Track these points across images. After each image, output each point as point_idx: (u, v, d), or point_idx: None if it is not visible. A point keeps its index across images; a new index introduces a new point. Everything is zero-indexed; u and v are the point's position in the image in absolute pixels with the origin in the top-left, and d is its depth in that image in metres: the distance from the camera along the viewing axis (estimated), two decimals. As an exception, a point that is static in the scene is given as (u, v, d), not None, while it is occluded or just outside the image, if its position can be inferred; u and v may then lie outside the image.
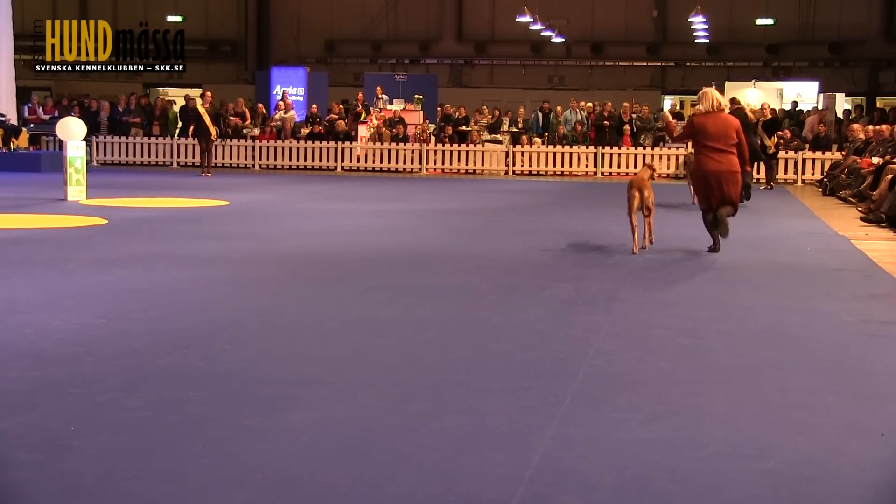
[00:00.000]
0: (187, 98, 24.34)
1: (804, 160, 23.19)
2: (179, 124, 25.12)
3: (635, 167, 24.06)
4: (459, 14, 34.05)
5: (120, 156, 25.65)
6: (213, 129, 22.30)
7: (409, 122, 25.61)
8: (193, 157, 24.59)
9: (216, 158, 24.25)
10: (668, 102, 30.64)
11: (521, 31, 31.18)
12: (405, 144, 25.01)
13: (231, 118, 25.56)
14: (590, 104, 25.74)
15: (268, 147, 25.22)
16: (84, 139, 16.01)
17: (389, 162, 24.92)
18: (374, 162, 24.97)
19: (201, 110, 22.15)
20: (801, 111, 26.01)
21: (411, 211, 14.41)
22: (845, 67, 31.86)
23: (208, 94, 23.61)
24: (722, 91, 28.71)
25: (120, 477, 3.62)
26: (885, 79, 31.99)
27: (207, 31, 34.57)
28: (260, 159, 25.12)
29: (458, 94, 31.32)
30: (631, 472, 3.75)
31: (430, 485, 3.61)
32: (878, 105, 29.19)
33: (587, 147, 24.69)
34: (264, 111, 26.51)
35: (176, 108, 26.73)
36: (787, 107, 26.60)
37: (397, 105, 26.65)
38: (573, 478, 3.69)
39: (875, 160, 17.06)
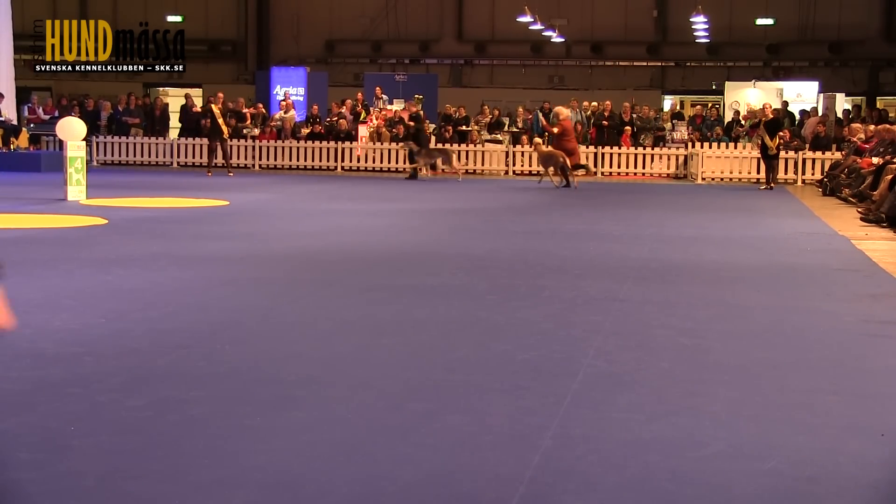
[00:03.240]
0: (187, 97, 24.35)
1: (804, 160, 23.20)
2: (179, 125, 25.16)
3: (635, 167, 24.11)
4: (459, 14, 34.04)
5: (120, 156, 25.65)
6: (226, 129, 22.40)
7: (409, 122, 25.60)
8: (193, 157, 24.62)
9: (216, 158, 24.25)
10: (668, 102, 30.64)
11: (521, 31, 31.17)
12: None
13: (232, 119, 25.61)
14: (595, 103, 25.77)
15: (268, 147, 25.22)
16: (84, 139, 16.01)
17: (389, 162, 24.93)
18: (374, 162, 24.98)
19: (215, 110, 22.21)
20: (793, 114, 25.98)
21: (411, 211, 14.41)
22: (845, 67, 31.85)
23: (220, 94, 23.64)
24: (722, 91, 28.88)
25: (120, 477, 3.62)
26: (885, 79, 31.98)
27: (207, 31, 34.55)
28: (260, 159, 25.13)
29: (458, 94, 31.30)
30: (631, 472, 3.75)
31: (430, 485, 3.61)
32: (878, 105, 29.18)
33: (587, 147, 24.69)
34: (264, 111, 26.51)
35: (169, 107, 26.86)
36: (790, 108, 26.60)
37: (397, 105, 26.65)
38: (573, 478, 3.69)
39: (875, 160, 17.06)
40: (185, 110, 26.62)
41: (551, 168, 19.77)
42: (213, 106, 22.49)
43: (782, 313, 6.99)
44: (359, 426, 4.25)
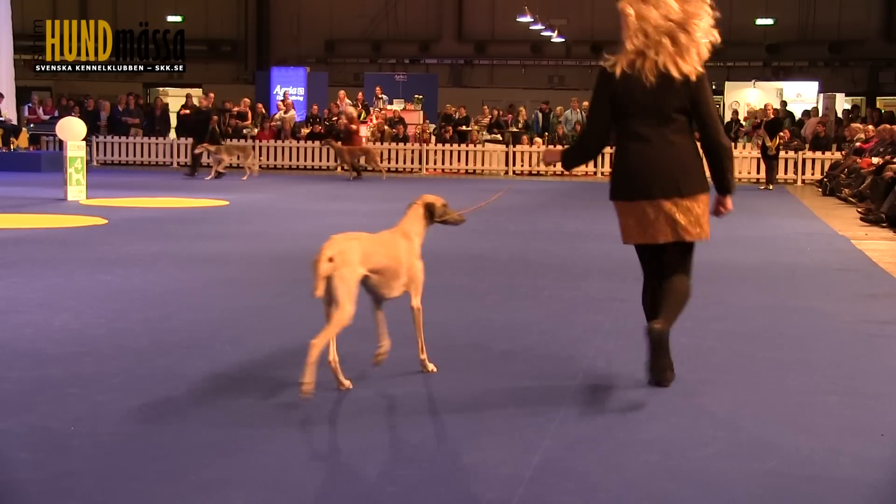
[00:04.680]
0: (188, 97, 24.37)
1: (804, 160, 23.21)
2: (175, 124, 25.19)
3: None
4: (459, 14, 34.05)
5: (120, 156, 25.66)
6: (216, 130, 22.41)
7: (409, 122, 25.63)
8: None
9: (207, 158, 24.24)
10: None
11: (521, 31, 31.18)
12: (405, 144, 25.01)
13: (233, 119, 25.61)
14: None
15: (268, 147, 25.22)
16: (84, 139, 16.02)
17: (389, 162, 24.93)
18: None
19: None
20: (793, 113, 25.99)
21: (411, 211, 14.38)
22: (845, 67, 31.87)
23: (211, 95, 23.64)
24: (722, 91, 28.85)
25: (120, 477, 3.62)
26: (885, 79, 31.98)
27: (207, 31, 34.56)
28: (260, 159, 25.13)
29: (458, 94, 31.32)
30: (631, 472, 3.75)
31: (430, 485, 3.61)
32: (878, 105, 29.19)
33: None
34: (263, 111, 26.52)
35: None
36: (790, 108, 26.61)
37: (397, 105, 26.66)
38: (573, 478, 3.69)
39: (875, 160, 17.06)
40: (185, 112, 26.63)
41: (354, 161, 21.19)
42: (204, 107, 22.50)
43: (782, 313, 6.99)
44: (359, 426, 4.25)
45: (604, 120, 4.81)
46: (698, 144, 4.74)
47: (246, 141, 25.24)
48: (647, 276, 4.96)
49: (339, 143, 22.15)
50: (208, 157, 20.74)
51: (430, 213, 5.30)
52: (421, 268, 5.14)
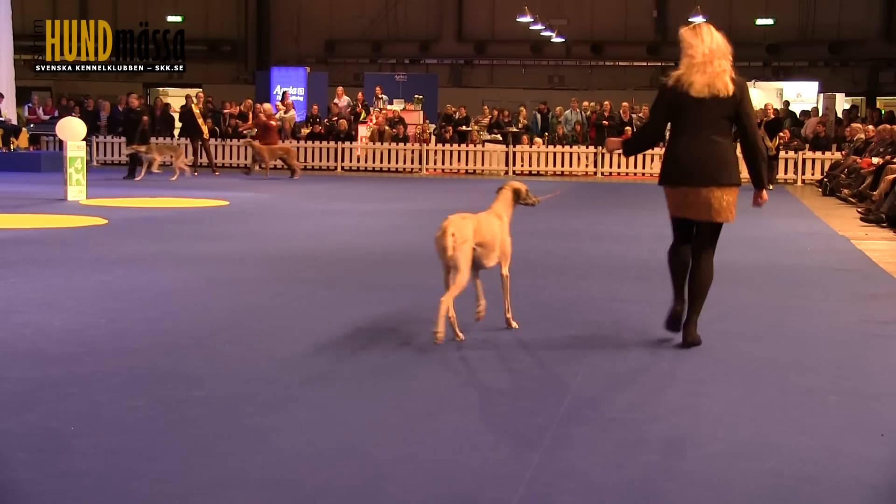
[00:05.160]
0: (187, 98, 24.38)
1: (804, 160, 23.21)
2: (179, 125, 25.18)
3: (635, 167, 24.11)
4: (459, 14, 34.05)
5: (120, 156, 25.66)
6: (204, 129, 22.39)
7: (409, 122, 25.63)
8: (193, 157, 24.61)
9: (216, 158, 24.27)
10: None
11: (521, 31, 31.18)
12: (405, 144, 25.02)
13: (233, 119, 25.64)
14: (593, 103, 25.77)
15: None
16: (84, 139, 16.02)
17: (389, 162, 24.93)
18: (374, 162, 24.98)
19: (196, 111, 22.20)
20: (794, 113, 26.00)
21: (411, 211, 14.41)
22: (845, 67, 31.86)
23: (200, 94, 23.62)
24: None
25: (120, 477, 3.62)
26: (885, 79, 31.98)
27: (207, 31, 34.57)
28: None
29: (458, 94, 31.32)
30: (631, 472, 3.75)
31: (430, 485, 3.61)
32: (878, 105, 29.19)
33: (587, 147, 24.70)
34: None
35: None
36: (792, 108, 26.61)
37: (397, 105, 26.66)
38: (573, 478, 3.69)
39: (875, 160, 17.06)
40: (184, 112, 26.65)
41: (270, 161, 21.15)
42: (192, 106, 22.45)
43: (782, 313, 6.99)
44: (359, 426, 4.25)
45: (660, 121, 5.94)
46: (736, 145, 5.81)
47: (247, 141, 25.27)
48: (676, 242, 5.96)
49: (258, 142, 21.60)
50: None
51: (517, 196, 6.42)
52: (510, 242, 6.31)
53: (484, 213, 6.16)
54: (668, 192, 5.91)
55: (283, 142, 25.12)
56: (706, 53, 5.79)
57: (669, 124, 5.89)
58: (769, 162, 20.91)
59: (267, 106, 23.26)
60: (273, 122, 22.01)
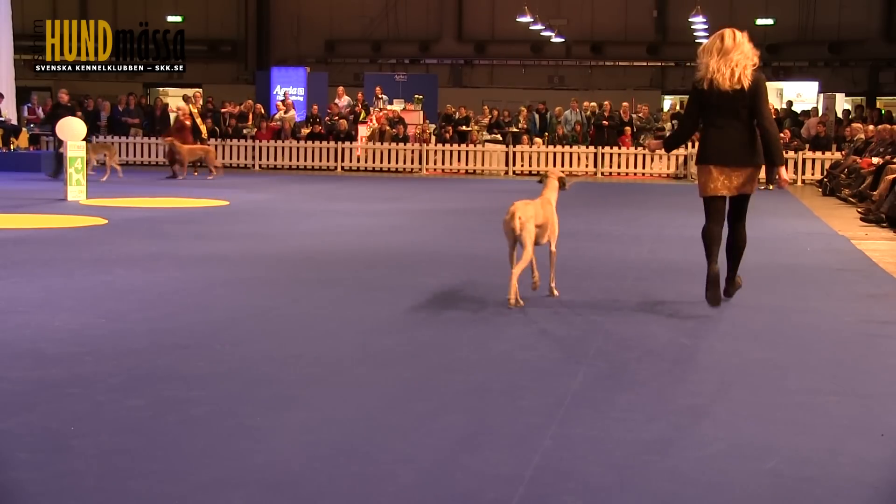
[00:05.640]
0: (185, 98, 24.39)
1: (804, 160, 23.20)
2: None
3: (635, 167, 24.12)
4: (459, 14, 34.06)
5: (119, 156, 25.64)
6: (203, 129, 22.36)
7: (409, 122, 25.63)
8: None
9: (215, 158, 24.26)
10: (668, 102, 30.64)
11: (521, 31, 31.19)
12: (405, 144, 25.02)
13: (232, 120, 25.64)
14: (593, 104, 25.77)
15: (268, 147, 25.24)
16: (84, 139, 16.01)
17: (389, 162, 24.94)
18: (374, 162, 24.99)
19: (193, 111, 22.17)
20: (796, 112, 26.00)
21: (411, 211, 14.41)
22: (845, 67, 31.86)
23: (197, 94, 23.58)
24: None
25: (120, 477, 3.62)
26: (885, 79, 31.99)
27: (207, 31, 34.57)
28: (260, 159, 25.14)
29: (458, 94, 31.32)
30: (631, 472, 3.75)
31: (430, 485, 3.61)
32: (878, 105, 29.19)
33: (587, 147, 24.70)
34: (262, 111, 26.53)
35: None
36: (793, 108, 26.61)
37: (397, 105, 26.65)
38: (573, 478, 3.69)
39: (875, 160, 17.06)
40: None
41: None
42: (190, 106, 22.42)
43: (782, 313, 6.99)
44: (359, 426, 4.25)
45: (694, 116, 7.14)
46: (756, 132, 6.86)
47: (247, 141, 25.29)
48: (709, 221, 7.05)
49: (171, 139, 21.07)
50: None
51: (561, 183, 7.66)
52: (557, 223, 7.47)
53: (539, 199, 7.23)
54: (701, 170, 7.04)
55: (284, 141, 25.18)
56: (725, 53, 6.83)
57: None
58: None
59: (182, 103, 23.00)
60: (188, 122, 21.65)
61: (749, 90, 6.71)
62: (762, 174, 7.24)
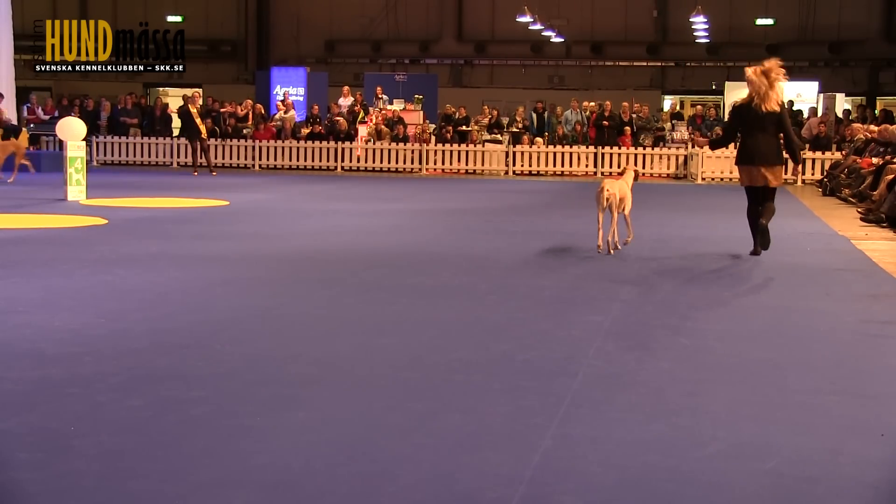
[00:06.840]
0: (185, 98, 24.41)
1: (804, 160, 23.19)
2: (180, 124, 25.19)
3: (635, 167, 24.09)
4: (459, 14, 34.06)
5: (119, 156, 25.67)
6: (202, 129, 22.37)
7: (409, 122, 25.63)
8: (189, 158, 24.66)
9: (216, 158, 24.29)
10: (668, 102, 30.65)
11: (521, 31, 31.19)
12: (405, 144, 25.02)
13: (231, 119, 25.65)
14: (593, 104, 25.76)
15: (268, 147, 25.24)
16: (84, 139, 16.01)
17: (389, 162, 24.94)
18: (374, 162, 24.99)
19: (193, 111, 22.20)
20: (800, 111, 26.00)
21: (411, 211, 14.41)
22: (845, 67, 31.86)
23: (196, 93, 23.62)
24: (722, 91, 28.88)
25: (120, 477, 3.62)
26: (885, 79, 31.99)
27: (207, 31, 34.58)
28: (260, 159, 25.15)
29: (458, 94, 31.33)
30: (631, 472, 3.75)
31: (430, 485, 3.61)
32: (878, 105, 29.19)
33: (587, 147, 24.70)
34: (262, 111, 26.53)
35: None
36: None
37: (397, 105, 26.65)
38: (573, 478, 3.69)
39: (875, 160, 17.06)
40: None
41: None
42: (189, 106, 22.44)
43: (782, 313, 6.99)
44: (359, 426, 4.25)
45: (734, 130, 10.10)
46: (780, 142, 9.68)
47: (247, 141, 25.30)
48: (751, 204, 9.75)
49: None
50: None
51: (636, 173, 10.68)
52: (631, 198, 10.03)
53: (621, 179, 10.01)
54: (741, 169, 9.73)
55: (284, 141, 25.18)
56: (765, 88, 9.56)
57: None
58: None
59: None
60: None
61: (778, 115, 9.54)
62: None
